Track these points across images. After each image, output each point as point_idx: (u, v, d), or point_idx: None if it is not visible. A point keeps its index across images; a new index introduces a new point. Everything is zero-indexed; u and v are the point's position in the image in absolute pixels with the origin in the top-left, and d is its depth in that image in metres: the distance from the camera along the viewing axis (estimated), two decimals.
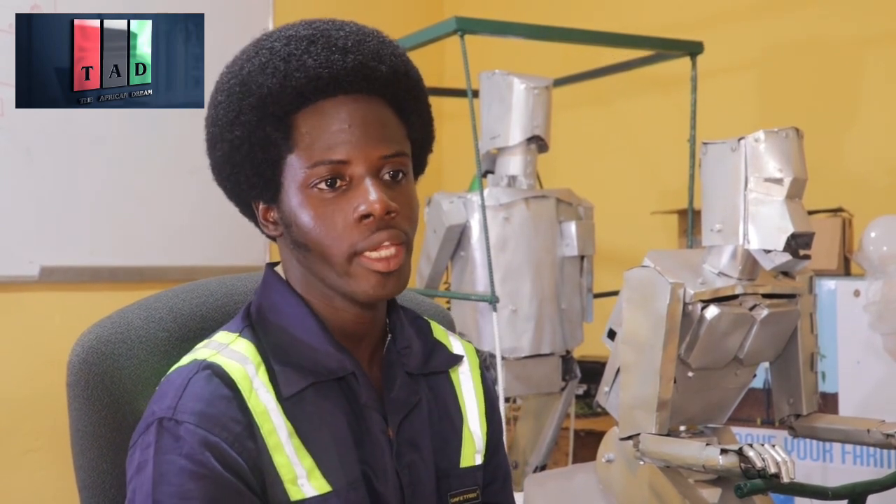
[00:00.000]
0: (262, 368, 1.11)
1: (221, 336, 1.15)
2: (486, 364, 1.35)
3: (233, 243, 3.58)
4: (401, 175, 1.12)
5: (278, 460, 1.07)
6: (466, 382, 1.29)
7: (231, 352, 1.11)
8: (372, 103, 1.12)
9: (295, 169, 1.10)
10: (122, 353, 1.21)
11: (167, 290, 1.30)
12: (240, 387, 1.07)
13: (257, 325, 1.15)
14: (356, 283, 1.10)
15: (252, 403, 1.07)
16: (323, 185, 1.08)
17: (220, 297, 1.30)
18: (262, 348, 1.12)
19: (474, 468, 1.25)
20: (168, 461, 1.03)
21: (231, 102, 1.11)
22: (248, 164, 1.12)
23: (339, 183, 1.09)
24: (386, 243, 1.08)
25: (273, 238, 1.19)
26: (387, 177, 1.11)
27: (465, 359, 1.31)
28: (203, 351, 1.12)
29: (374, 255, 1.08)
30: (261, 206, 1.16)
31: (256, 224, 1.20)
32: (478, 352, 1.37)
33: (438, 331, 1.32)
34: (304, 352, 1.12)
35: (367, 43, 1.12)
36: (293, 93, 1.09)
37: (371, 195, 1.07)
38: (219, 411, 1.05)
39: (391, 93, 1.13)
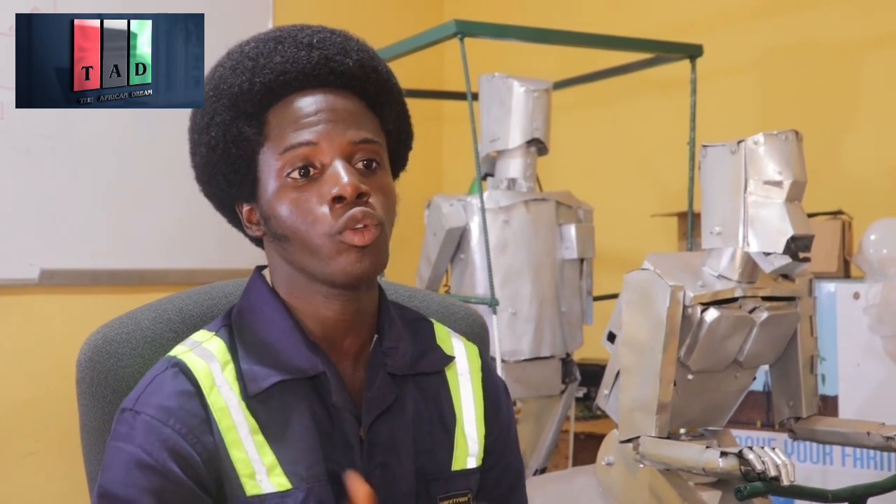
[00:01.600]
0: (230, 366, 1.13)
1: (198, 335, 1.18)
2: (487, 373, 1.34)
3: (233, 246, 3.52)
4: (374, 164, 1.14)
5: (235, 455, 1.08)
6: (465, 385, 1.28)
7: (202, 350, 1.14)
8: (341, 95, 1.14)
9: (268, 160, 1.12)
10: (127, 352, 1.24)
11: (180, 293, 1.33)
12: (201, 384, 1.10)
13: (234, 325, 1.18)
14: (335, 262, 1.10)
15: (212, 400, 1.09)
16: (296, 174, 1.11)
17: (232, 300, 1.31)
18: (233, 347, 1.15)
19: (467, 472, 1.24)
20: (119, 448, 1.07)
21: (206, 107, 1.15)
22: (224, 163, 1.14)
23: (311, 171, 1.11)
24: (361, 220, 1.09)
25: (259, 242, 1.21)
26: (360, 165, 1.13)
27: (464, 360, 1.30)
28: (178, 348, 1.16)
29: (349, 232, 1.09)
30: (244, 209, 1.18)
31: (242, 231, 1.22)
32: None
33: (441, 332, 1.31)
34: (275, 351, 1.14)
35: (332, 39, 1.16)
36: (262, 89, 1.12)
37: (343, 178, 1.09)
38: (177, 405, 1.08)
39: (360, 86, 1.16)
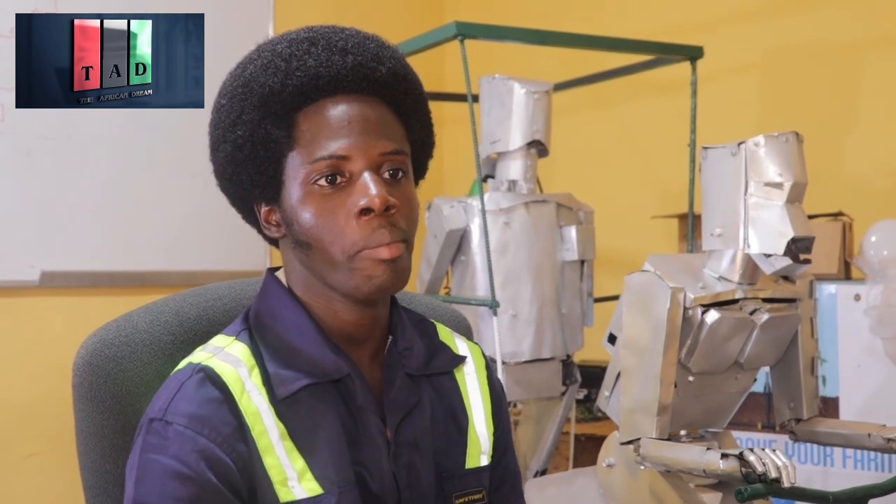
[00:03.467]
0: (256, 371, 1.12)
1: (218, 339, 1.16)
2: (490, 372, 1.35)
3: (234, 248, 3.58)
4: (400, 174, 1.14)
5: (268, 462, 1.08)
6: (472, 383, 1.30)
7: (226, 355, 1.12)
8: (371, 103, 1.13)
9: (296, 166, 1.11)
10: (126, 355, 1.23)
11: (175, 295, 1.32)
12: (231, 389, 1.08)
13: (255, 329, 1.16)
14: (359, 276, 1.10)
15: (243, 405, 1.08)
16: (323, 182, 1.10)
17: (228, 302, 1.31)
18: (256, 351, 1.13)
19: (480, 469, 1.25)
20: (153, 460, 1.05)
21: (233, 104, 1.13)
22: (250, 164, 1.13)
23: (339, 179, 1.10)
24: (388, 242, 1.09)
25: (275, 242, 1.20)
26: (386, 175, 1.12)
27: (470, 360, 1.31)
28: (199, 354, 1.14)
29: (375, 250, 1.09)
30: (263, 209, 1.17)
31: (259, 229, 1.21)
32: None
33: (444, 332, 1.32)
34: (300, 355, 1.13)
35: (366, 45, 1.15)
36: (294, 91, 1.11)
37: (371, 190, 1.08)
38: (209, 413, 1.06)
39: (390, 94, 1.15)
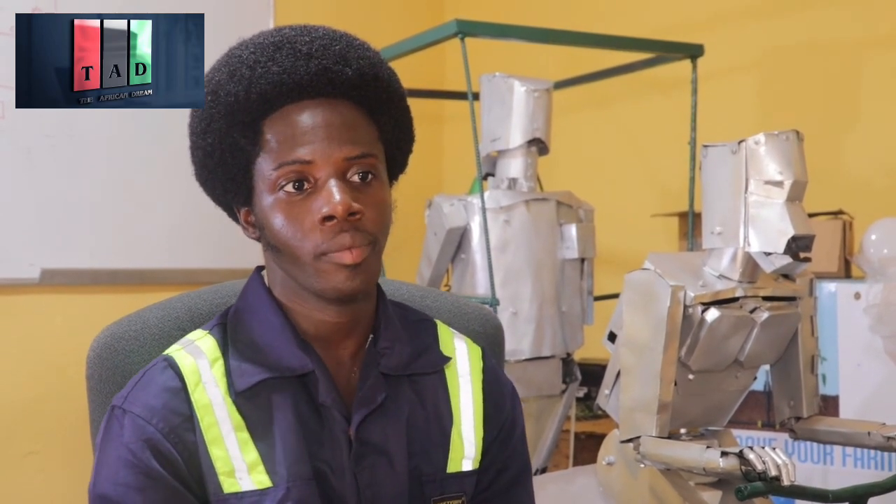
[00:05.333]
0: (219, 363, 1.14)
1: (193, 333, 1.20)
2: (490, 376, 1.32)
3: (234, 246, 3.55)
4: (370, 177, 1.13)
5: (215, 453, 1.10)
6: (465, 385, 1.27)
7: (193, 347, 1.16)
8: (338, 106, 1.13)
9: (263, 173, 1.12)
10: (135, 349, 1.27)
11: (190, 292, 1.36)
12: (187, 380, 1.12)
13: (229, 324, 1.19)
14: (325, 279, 1.11)
15: (196, 397, 1.11)
16: (290, 188, 1.11)
17: None
18: (224, 345, 1.16)
19: (462, 474, 1.23)
20: (110, 448, 1.10)
21: (203, 111, 1.14)
22: (220, 170, 1.15)
23: (305, 185, 1.11)
24: (349, 247, 1.10)
25: (258, 241, 1.21)
26: (355, 178, 1.12)
27: (465, 360, 1.29)
28: (173, 346, 1.17)
29: (337, 252, 1.10)
30: (242, 211, 1.19)
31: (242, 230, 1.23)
32: None
33: (444, 332, 1.31)
34: (266, 350, 1.15)
35: (332, 47, 1.13)
36: (258, 99, 1.11)
37: (334, 197, 1.09)
38: (161, 403, 1.10)
39: (359, 95, 1.14)
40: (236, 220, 1.22)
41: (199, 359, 1.14)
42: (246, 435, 1.11)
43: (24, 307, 3.18)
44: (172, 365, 1.13)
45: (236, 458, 1.10)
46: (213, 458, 1.10)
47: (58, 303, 3.24)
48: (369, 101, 1.15)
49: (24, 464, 3.14)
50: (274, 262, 1.17)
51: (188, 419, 1.10)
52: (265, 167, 1.12)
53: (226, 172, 1.15)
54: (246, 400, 1.12)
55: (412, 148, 1.26)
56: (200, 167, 1.18)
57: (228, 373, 1.13)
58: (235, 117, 1.12)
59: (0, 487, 3.09)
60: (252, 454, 1.11)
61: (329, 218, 1.09)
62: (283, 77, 1.10)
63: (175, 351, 1.15)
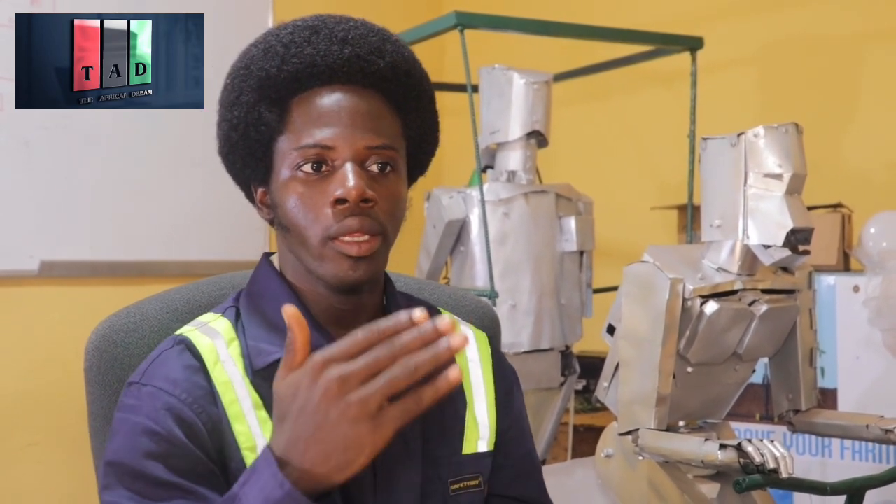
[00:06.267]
0: (235, 343, 1.15)
1: (205, 316, 1.21)
2: (499, 359, 1.36)
3: (233, 238, 3.58)
4: (388, 168, 1.15)
5: (237, 428, 1.10)
6: (475, 370, 1.30)
7: (208, 329, 1.17)
8: (367, 96, 1.15)
9: (284, 150, 1.14)
10: (134, 341, 1.28)
11: (188, 284, 1.37)
12: (205, 359, 1.12)
13: (241, 308, 1.20)
14: (328, 266, 1.12)
15: (215, 374, 1.12)
16: (308, 168, 1.12)
17: (240, 291, 1.32)
18: (239, 327, 1.17)
19: (478, 455, 1.25)
20: (126, 419, 1.09)
21: (234, 84, 1.16)
22: (242, 144, 1.16)
23: (323, 168, 1.12)
24: (357, 231, 1.10)
25: (271, 223, 1.22)
26: (374, 168, 1.14)
27: (474, 346, 1.32)
28: (185, 328, 1.18)
29: (346, 239, 1.11)
30: (258, 191, 1.20)
31: (258, 211, 1.24)
32: None
33: None
34: (282, 329, 1.13)
35: (369, 38, 1.15)
36: (289, 77, 1.13)
37: (349, 181, 1.10)
38: (183, 377, 1.10)
39: (389, 88, 1.16)
40: (252, 200, 1.23)
41: (215, 339, 1.15)
42: (264, 413, 1.12)
43: (23, 299, 3.18)
44: (189, 345, 1.13)
45: (258, 435, 1.11)
46: (235, 432, 1.10)
47: (57, 295, 3.24)
48: (398, 95, 1.17)
49: (24, 455, 3.14)
50: (284, 245, 1.18)
51: (210, 393, 1.10)
52: (286, 145, 1.13)
53: (248, 147, 1.16)
54: (262, 380, 1.12)
55: (435, 152, 1.27)
56: (224, 140, 1.19)
57: (245, 353, 1.14)
58: (265, 92, 1.13)
59: (0, 479, 3.10)
60: (270, 431, 1.10)
61: (341, 201, 1.10)
62: (315, 59, 1.12)
63: (189, 331, 1.16)
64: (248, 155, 1.16)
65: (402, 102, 1.18)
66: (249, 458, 1.10)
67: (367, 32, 1.16)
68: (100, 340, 1.27)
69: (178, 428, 1.07)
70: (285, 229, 1.15)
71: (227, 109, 1.17)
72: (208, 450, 1.09)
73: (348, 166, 1.11)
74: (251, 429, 1.11)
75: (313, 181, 1.12)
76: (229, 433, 1.10)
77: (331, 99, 1.13)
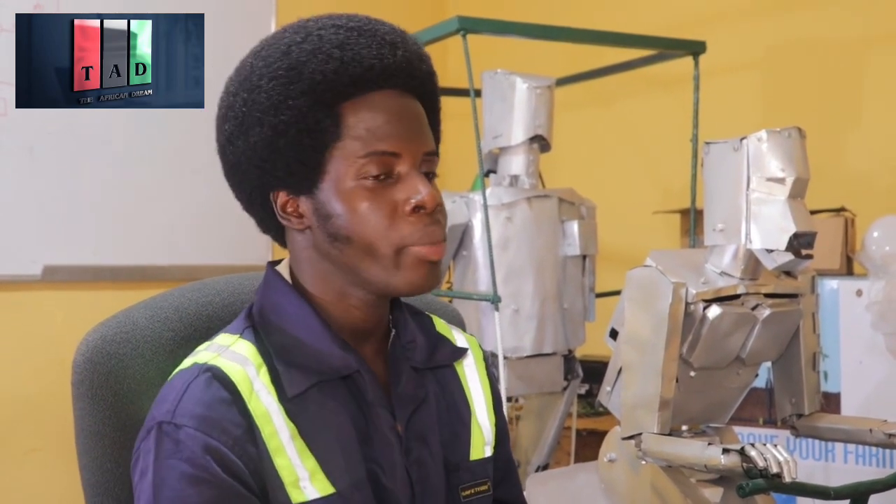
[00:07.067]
0: (264, 369, 1.09)
1: (222, 338, 1.13)
2: (488, 363, 1.36)
3: (235, 242, 3.58)
4: (433, 176, 1.14)
5: (279, 462, 1.06)
6: (472, 375, 1.30)
7: (232, 353, 1.10)
8: (411, 100, 1.13)
9: (343, 159, 1.09)
10: (127, 352, 1.20)
11: (173, 290, 1.29)
12: (240, 389, 1.06)
13: (259, 327, 1.13)
14: (405, 274, 1.10)
15: (253, 406, 1.06)
16: (373, 176, 1.08)
17: (226, 297, 1.30)
18: (263, 349, 1.11)
19: (484, 460, 1.26)
20: (168, 466, 1.02)
21: (276, 87, 1.08)
22: (291, 151, 1.09)
23: (386, 176, 1.09)
24: (439, 238, 1.10)
25: (274, 233, 1.18)
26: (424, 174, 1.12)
27: (469, 352, 1.31)
28: (204, 354, 1.11)
29: (425, 246, 1.09)
30: (280, 198, 1.13)
31: (259, 220, 1.18)
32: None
33: (441, 325, 1.32)
34: (308, 352, 1.11)
35: (409, 41, 1.14)
36: (348, 81, 1.08)
37: (423, 188, 1.08)
38: (218, 415, 1.03)
39: (424, 93, 1.15)
40: (258, 210, 1.17)
41: (245, 366, 1.08)
42: (301, 442, 1.07)
43: (25, 304, 3.18)
44: (218, 374, 1.06)
45: (298, 467, 1.06)
46: (277, 467, 1.05)
47: (60, 299, 3.24)
48: (428, 101, 1.16)
49: (26, 461, 3.14)
50: (320, 255, 1.13)
51: (247, 430, 1.04)
52: (346, 153, 1.08)
53: (299, 154, 1.09)
54: (296, 406, 1.08)
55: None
56: (262, 146, 1.10)
57: (275, 379, 1.09)
58: (317, 96, 1.07)
59: (1, 485, 3.09)
60: (310, 461, 1.07)
61: (419, 208, 1.08)
62: (373, 62, 1.08)
63: (213, 358, 1.09)
64: (297, 162, 1.09)
65: (431, 109, 1.17)
66: (294, 493, 1.05)
67: (405, 36, 1.14)
68: (92, 352, 1.19)
69: (223, 471, 1.02)
70: (343, 240, 1.09)
71: (266, 113, 1.08)
72: (254, 491, 1.04)
73: (415, 173, 1.09)
74: (292, 461, 1.06)
75: (378, 189, 1.08)
76: (271, 469, 1.05)
77: (387, 103, 1.10)
